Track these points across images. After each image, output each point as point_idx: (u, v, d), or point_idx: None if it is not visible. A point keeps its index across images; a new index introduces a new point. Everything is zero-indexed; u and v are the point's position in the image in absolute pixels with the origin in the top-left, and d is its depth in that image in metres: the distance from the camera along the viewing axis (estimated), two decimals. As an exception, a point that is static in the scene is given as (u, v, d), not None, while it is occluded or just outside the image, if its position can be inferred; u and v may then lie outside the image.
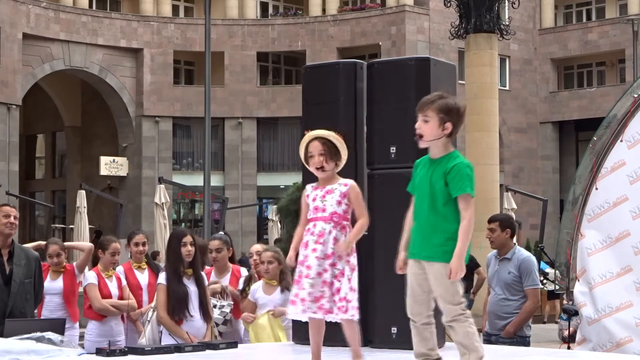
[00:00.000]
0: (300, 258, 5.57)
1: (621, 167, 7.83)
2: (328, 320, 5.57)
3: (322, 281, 5.49)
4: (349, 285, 5.51)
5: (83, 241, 25.82)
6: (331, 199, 5.59)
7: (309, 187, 5.74)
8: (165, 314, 7.83)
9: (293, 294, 5.56)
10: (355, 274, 5.57)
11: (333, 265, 5.52)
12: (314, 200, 5.64)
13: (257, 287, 8.36)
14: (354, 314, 5.50)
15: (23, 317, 7.59)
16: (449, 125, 5.22)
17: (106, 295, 8.91)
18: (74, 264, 9.65)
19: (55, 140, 48.37)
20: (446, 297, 5.19)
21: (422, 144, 5.31)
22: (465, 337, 5.18)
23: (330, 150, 5.61)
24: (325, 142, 5.62)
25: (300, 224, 5.69)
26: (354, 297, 5.51)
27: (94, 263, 9.24)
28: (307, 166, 5.71)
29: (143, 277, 9.17)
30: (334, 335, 5.78)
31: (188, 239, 7.96)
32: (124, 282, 9.06)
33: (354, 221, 5.64)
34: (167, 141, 42.93)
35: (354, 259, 5.59)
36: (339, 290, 5.50)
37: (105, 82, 42.19)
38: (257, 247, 9.13)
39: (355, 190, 5.61)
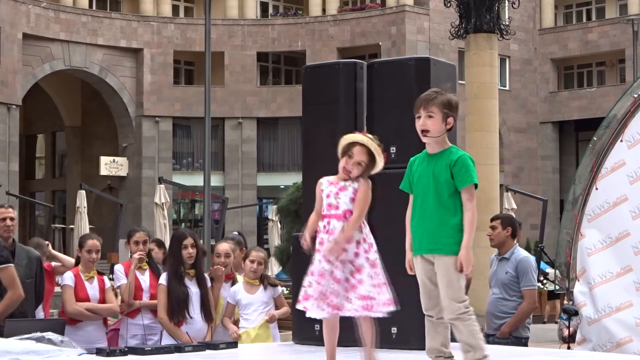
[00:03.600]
0: (318, 256, 5.45)
1: (621, 167, 7.83)
2: (344, 316, 5.45)
3: (332, 278, 5.39)
4: (372, 282, 5.40)
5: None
6: (344, 196, 5.52)
7: (325, 181, 5.63)
8: (164, 315, 7.82)
9: (308, 290, 5.43)
10: (378, 269, 5.43)
11: (350, 262, 5.42)
12: (327, 196, 5.55)
13: (237, 289, 8.18)
14: (382, 310, 5.40)
15: (23, 316, 7.56)
16: (451, 120, 5.32)
17: (82, 298, 8.20)
18: (53, 263, 9.17)
19: (55, 140, 48.38)
20: (450, 294, 5.20)
21: (426, 140, 5.35)
22: (470, 335, 5.20)
23: (369, 166, 5.52)
24: (370, 153, 5.50)
25: (315, 212, 5.58)
26: (380, 293, 5.40)
27: (77, 263, 8.60)
28: (339, 156, 5.58)
29: (144, 278, 8.49)
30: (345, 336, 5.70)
31: (189, 241, 7.91)
32: (108, 284, 8.40)
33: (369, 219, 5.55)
34: (167, 141, 42.94)
35: (372, 255, 5.47)
36: (354, 287, 5.39)
37: (105, 82, 42.19)
38: (225, 246, 8.46)
39: (363, 187, 5.51)
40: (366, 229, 5.52)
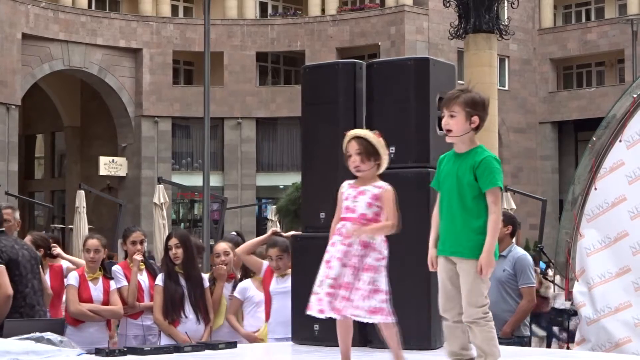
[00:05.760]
0: (326, 257, 5.41)
1: (620, 167, 7.83)
2: (361, 321, 5.39)
3: (339, 281, 5.32)
4: (372, 288, 5.31)
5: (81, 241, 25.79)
6: (362, 200, 5.45)
7: (346, 184, 5.59)
8: (160, 315, 7.83)
9: (315, 292, 5.38)
10: (378, 276, 5.33)
11: (360, 266, 5.34)
12: (346, 199, 5.50)
13: (248, 286, 8.12)
14: (384, 316, 5.32)
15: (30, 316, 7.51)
16: (475, 119, 5.23)
17: (85, 299, 8.11)
18: (64, 265, 9.01)
19: (55, 140, 48.39)
20: (470, 298, 5.18)
21: (449, 139, 5.30)
22: (484, 341, 5.19)
23: (367, 150, 5.45)
24: (362, 141, 5.48)
25: (335, 218, 5.56)
26: (379, 299, 5.31)
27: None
28: (348, 167, 5.56)
29: (142, 278, 8.41)
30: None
31: (172, 241, 7.93)
32: (113, 287, 8.24)
33: None
34: (166, 141, 42.95)
35: (373, 261, 5.36)
36: (358, 290, 5.31)
37: (105, 82, 42.20)
38: (224, 245, 8.50)
39: (388, 194, 5.42)
40: (383, 243, 5.40)
